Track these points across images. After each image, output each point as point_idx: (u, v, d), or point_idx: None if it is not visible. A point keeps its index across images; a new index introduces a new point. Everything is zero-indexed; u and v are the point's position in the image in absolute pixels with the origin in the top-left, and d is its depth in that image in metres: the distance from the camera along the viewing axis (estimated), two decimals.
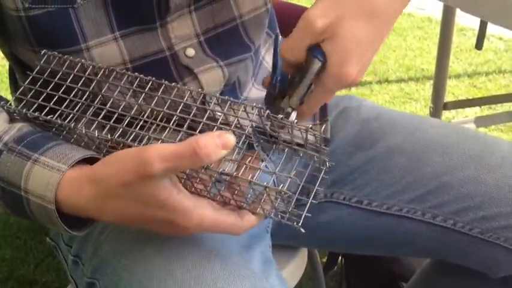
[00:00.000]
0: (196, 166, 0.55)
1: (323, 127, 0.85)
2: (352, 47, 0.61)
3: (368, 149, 0.83)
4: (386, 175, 0.81)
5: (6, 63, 0.83)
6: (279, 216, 0.61)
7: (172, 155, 0.53)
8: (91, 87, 0.65)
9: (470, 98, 2.43)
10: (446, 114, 2.24)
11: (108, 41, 0.71)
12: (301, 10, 1.20)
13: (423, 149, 0.81)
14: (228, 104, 0.60)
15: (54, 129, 0.66)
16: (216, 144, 0.53)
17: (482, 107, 2.32)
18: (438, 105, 1.88)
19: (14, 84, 0.83)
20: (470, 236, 0.78)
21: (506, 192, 0.76)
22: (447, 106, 1.93)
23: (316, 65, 0.60)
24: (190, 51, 0.75)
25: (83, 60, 0.66)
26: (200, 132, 0.58)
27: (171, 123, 0.61)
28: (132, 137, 0.60)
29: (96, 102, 0.63)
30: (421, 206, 0.80)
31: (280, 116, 0.60)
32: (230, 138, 0.54)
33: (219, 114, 0.61)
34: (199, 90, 0.62)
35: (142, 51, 0.73)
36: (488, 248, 0.78)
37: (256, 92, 0.84)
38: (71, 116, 0.64)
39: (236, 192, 0.60)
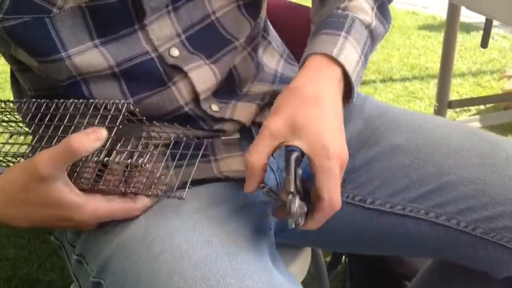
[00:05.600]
0: (76, 158, 0.63)
1: None
2: (318, 127, 0.66)
3: (371, 147, 0.82)
4: (390, 173, 0.81)
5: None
6: (167, 194, 0.70)
7: (52, 154, 0.62)
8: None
9: (475, 96, 2.42)
10: (450, 113, 2.23)
11: (89, 48, 0.71)
12: (297, 7, 1.20)
13: (427, 148, 0.80)
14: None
15: None
16: (87, 138, 0.63)
17: (487, 105, 2.31)
18: (443, 103, 1.87)
19: (14, 82, 0.83)
20: (474, 236, 0.77)
21: (510, 192, 0.76)
22: (452, 105, 1.92)
23: (294, 155, 0.65)
24: (175, 51, 0.75)
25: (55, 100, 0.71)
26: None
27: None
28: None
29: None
30: (424, 205, 0.79)
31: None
32: (102, 132, 0.64)
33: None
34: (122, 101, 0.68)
35: (127, 54, 0.73)
36: (491, 248, 0.77)
37: (257, 86, 0.84)
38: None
39: (133, 183, 0.69)
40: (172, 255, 0.64)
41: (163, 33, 0.74)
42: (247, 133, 0.81)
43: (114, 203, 0.68)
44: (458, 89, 2.49)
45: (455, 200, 0.77)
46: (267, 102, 0.83)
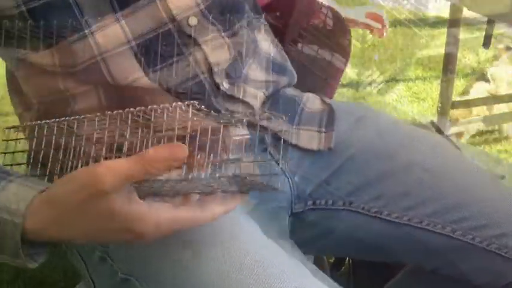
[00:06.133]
0: (146, 178, 0.55)
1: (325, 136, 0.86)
2: None
3: (385, 161, 0.83)
4: (406, 188, 0.82)
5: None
6: (263, 184, 0.60)
7: (121, 170, 0.53)
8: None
9: (478, 97, 2.41)
10: (454, 113, 2.23)
11: (110, 24, 0.71)
12: None
13: (444, 165, 0.82)
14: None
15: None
16: (164, 158, 0.54)
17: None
18: (446, 104, 1.87)
19: (16, 95, 0.81)
20: (488, 251, 0.79)
21: None
22: (455, 105, 1.92)
23: None
24: (193, 20, 0.75)
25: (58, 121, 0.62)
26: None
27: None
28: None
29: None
30: (441, 220, 0.80)
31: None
32: (180, 151, 0.54)
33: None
34: (191, 102, 0.57)
35: (145, 27, 0.73)
36: (501, 262, 0.79)
37: (255, 72, 0.84)
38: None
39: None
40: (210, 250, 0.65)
41: (182, 2, 0.74)
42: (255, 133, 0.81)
43: (178, 212, 0.59)
44: (461, 89, 2.48)
45: (471, 217, 0.80)
46: (271, 93, 0.84)
